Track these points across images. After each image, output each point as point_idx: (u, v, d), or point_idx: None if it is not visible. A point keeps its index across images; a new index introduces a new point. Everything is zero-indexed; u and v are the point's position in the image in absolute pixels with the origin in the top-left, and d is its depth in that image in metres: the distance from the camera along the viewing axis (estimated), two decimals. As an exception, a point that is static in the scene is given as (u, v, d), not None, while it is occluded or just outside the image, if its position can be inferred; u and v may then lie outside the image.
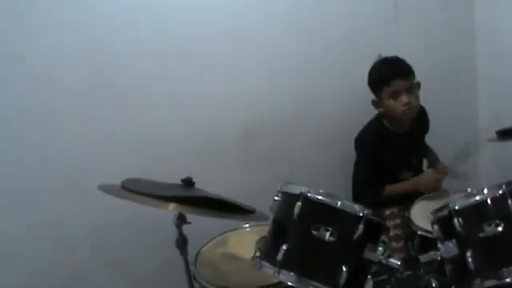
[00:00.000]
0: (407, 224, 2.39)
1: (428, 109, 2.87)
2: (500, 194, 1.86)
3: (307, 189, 1.89)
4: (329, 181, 2.80)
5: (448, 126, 3.19)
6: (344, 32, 2.94)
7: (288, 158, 2.91)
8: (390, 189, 2.68)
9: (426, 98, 2.77)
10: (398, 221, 2.52)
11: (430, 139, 2.95)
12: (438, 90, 3.15)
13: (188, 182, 1.97)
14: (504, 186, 1.87)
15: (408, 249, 2.39)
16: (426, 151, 2.95)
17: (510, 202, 1.84)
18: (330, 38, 2.91)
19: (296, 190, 1.92)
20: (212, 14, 2.63)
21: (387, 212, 2.55)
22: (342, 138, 2.81)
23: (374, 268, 1.85)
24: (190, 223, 1.97)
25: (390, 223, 2.39)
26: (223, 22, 2.66)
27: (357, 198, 2.62)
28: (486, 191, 1.88)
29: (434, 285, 2.00)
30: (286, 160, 2.90)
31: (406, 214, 2.42)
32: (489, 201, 1.86)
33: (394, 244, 2.43)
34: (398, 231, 2.47)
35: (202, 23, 2.61)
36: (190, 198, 1.86)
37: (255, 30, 2.73)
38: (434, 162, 2.94)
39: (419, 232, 2.25)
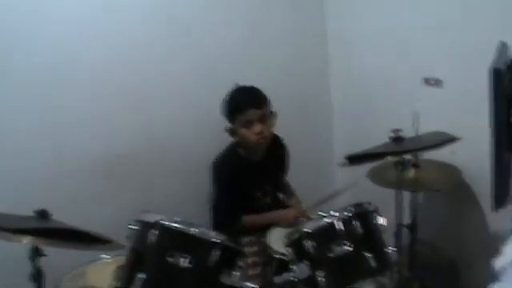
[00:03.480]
0: (265, 250, 2.44)
1: (286, 140, 2.93)
2: (347, 216, 1.98)
3: (162, 217, 1.93)
4: (191, 210, 2.79)
5: (305, 157, 3.28)
6: (203, 61, 2.97)
7: (148, 189, 2.87)
8: (250, 220, 2.67)
9: (284, 130, 2.87)
10: (255, 248, 2.55)
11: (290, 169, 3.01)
12: (295, 123, 3.25)
13: (42, 214, 1.89)
14: (351, 208, 2.00)
15: (266, 274, 2.43)
16: (283, 182, 2.95)
17: (356, 223, 1.97)
18: (187, 67, 2.92)
19: (151, 218, 1.94)
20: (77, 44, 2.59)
21: (245, 239, 2.56)
22: (202, 166, 2.78)
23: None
24: (46, 256, 1.89)
25: (247, 250, 2.42)
26: (88, 51, 2.62)
27: (216, 226, 2.58)
28: (334, 213, 2.00)
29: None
30: (145, 190, 2.86)
31: (263, 239, 2.46)
32: (337, 223, 1.98)
33: (251, 271, 2.45)
34: (256, 258, 2.51)
35: (66, 52, 2.56)
36: (44, 230, 1.80)
37: (114, 61, 2.70)
38: (291, 200, 2.92)
39: (276, 256, 2.30)
